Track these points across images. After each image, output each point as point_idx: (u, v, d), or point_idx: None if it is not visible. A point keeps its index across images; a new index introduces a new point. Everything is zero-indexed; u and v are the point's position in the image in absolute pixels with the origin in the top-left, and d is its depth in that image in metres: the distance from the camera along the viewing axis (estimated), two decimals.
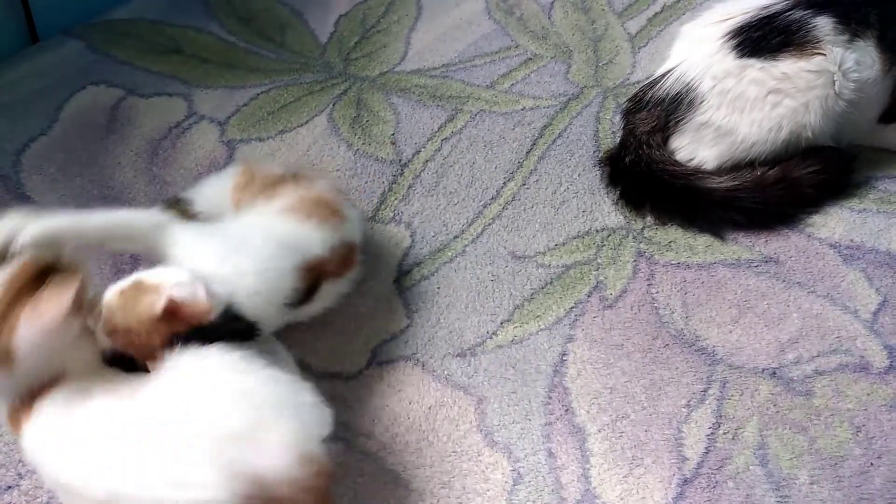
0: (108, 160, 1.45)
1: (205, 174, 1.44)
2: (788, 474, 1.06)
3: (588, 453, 1.08)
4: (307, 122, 1.56)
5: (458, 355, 1.17)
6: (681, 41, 1.44)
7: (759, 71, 1.33)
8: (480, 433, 1.10)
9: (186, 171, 1.45)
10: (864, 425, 1.10)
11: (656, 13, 1.79)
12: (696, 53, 1.38)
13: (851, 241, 1.33)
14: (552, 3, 1.82)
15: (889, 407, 1.12)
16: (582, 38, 1.75)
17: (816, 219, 1.36)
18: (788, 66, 1.32)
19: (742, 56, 1.34)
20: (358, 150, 1.51)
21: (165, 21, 1.74)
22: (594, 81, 1.65)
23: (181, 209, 1.17)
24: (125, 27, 1.72)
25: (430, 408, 1.13)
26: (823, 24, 1.33)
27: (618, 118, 1.53)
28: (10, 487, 1.02)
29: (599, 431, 1.10)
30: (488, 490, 1.05)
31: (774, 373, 1.16)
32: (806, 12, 1.34)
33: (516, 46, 1.73)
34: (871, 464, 1.07)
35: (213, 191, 1.21)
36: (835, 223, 1.36)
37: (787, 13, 1.34)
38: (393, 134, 1.54)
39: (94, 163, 1.45)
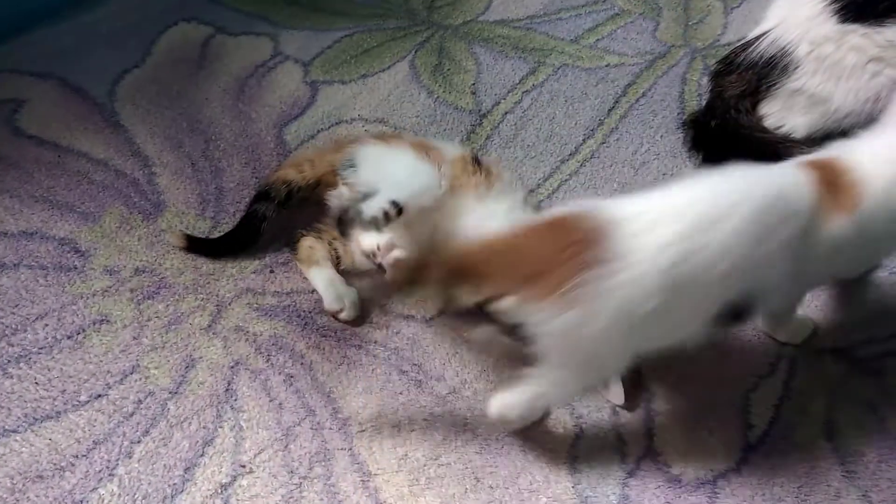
0: (197, 95, 1.50)
1: (288, 112, 1.47)
2: (856, 451, 1.05)
3: (652, 412, 1.08)
4: (389, 67, 1.57)
5: None
6: (779, 2, 1.38)
7: (861, 37, 1.27)
8: None
9: (270, 109, 1.48)
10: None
11: None
12: (795, 16, 1.33)
13: None
14: None
15: None
16: None
17: None
18: (894, 34, 1.26)
19: (844, 21, 1.28)
20: (438, 97, 1.51)
21: None
22: (683, 41, 1.61)
23: None
24: None
25: (498, 360, 1.15)
26: None
27: (705, 80, 1.49)
28: (99, 396, 1.09)
29: (665, 392, 1.10)
30: (550, 442, 1.07)
31: (845, 352, 1.14)
32: None
33: (604, 1, 1.69)
34: None
35: None
36: None
37: None
38: (473, 84, 1.54)
39: (184, 97, 1.49)
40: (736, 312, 0.94)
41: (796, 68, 1.32)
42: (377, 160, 1.18)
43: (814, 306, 1.19)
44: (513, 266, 0.89)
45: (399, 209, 1.08)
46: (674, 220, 0.88)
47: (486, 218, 1.14)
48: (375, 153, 1.20)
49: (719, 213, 0.88)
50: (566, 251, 0.86)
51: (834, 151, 1.01)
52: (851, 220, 0.95)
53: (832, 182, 0.95)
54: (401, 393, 1.11)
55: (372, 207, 1.08)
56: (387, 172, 1.15)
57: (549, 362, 0.93)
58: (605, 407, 1.10)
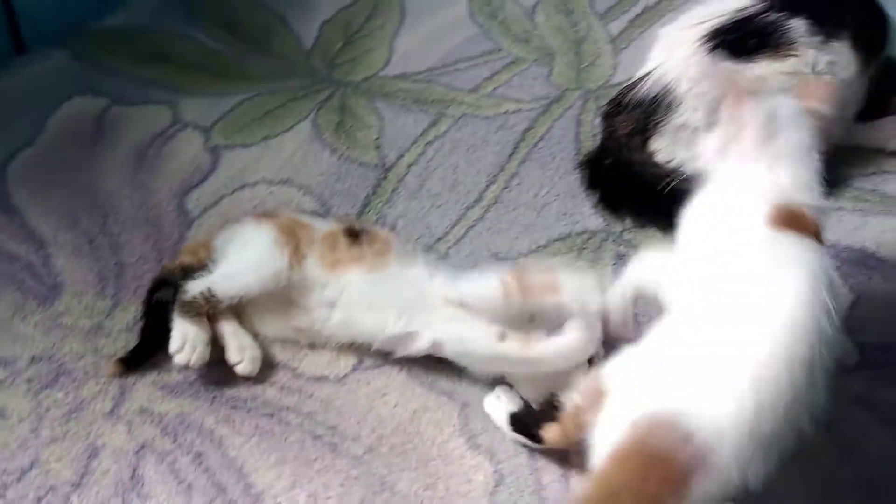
0: (94, 169, 1.47)
1: (189, 180, 1.46)
2: None
3: (569, 455, 1.10)
4: (291, 127, 1.57)
5: (441, 361, 1.19)
6: (659, 44, 1.45)
7: (733, 73, 1.34)
8: (464, 437, 1.12)
9: (171, 178, 1.46)
10: (832, 422, 1.11)
11: (638, 14, 1.81)
12: (673, 56, 1.40)
13: (826, 239, 1.35)
14: (535, 5, 1.84)
15: (857, 402, 1.14)
16: (564, 40, 1.76)
17: None
18: (763, 68, 1.34)
19: (717, 58, 1.35)
20: (342, 154, 1.52)
21: (150, 29, 1.75)
22: (576, 84, 1.67)
23: None
24: (110, 36, 1.74)
25: (414, 412, 1.15)
26: (798, 26, 1.34)
27: (598, 121, 1.55)
28: None
29: None
30: (471, 492, 1.07)
31: None
32: (781, 14, 1.35)
33: (499, 50, 1.74)
34: (841, 459, 1.09)
35: None
36: None
37: (763, 15, 1.36)
38: (377, 138, 1.56)
39: (80, 172, 1.46)
40: None
41: (679, 105, 1.38)
42: (237, 243, 1.20)
43: None
44: None
45: (211, 298, 1.12)
46: (740, 393, 0.81)
47: (394, 285, 1.16)
48: (241, 235, 1.21)
49: (778, 354, 0.83)
50: (664, 487, 0.79)
51: (780, 196, 0.97)
52: None
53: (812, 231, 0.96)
54: (315, 459, 1.09)
55: (190, 289, 1.12)
56: (232, 259, 1.17)
57: None
58: (523, 452, 1.10)
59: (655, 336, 0.94)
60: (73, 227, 1.37)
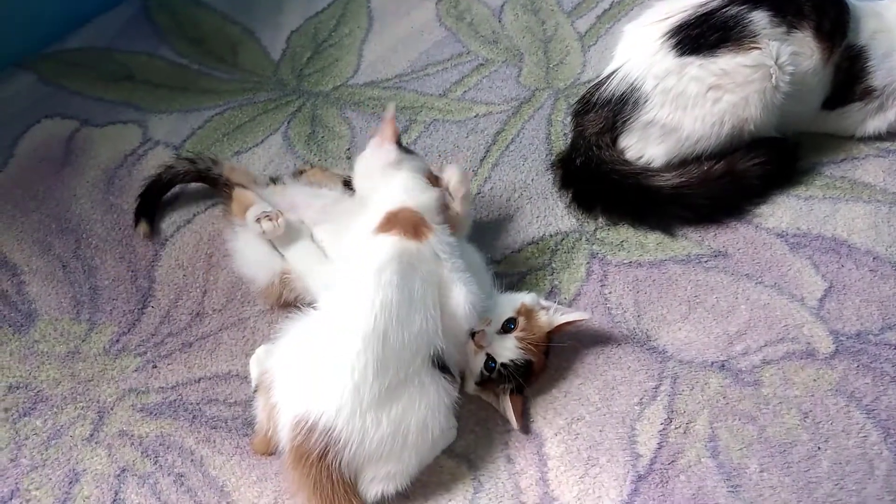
0: (65, 193, 1.47)
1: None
2: (739, 464, 1.09)
3: (545, 457, 1.10)
4: (262, 141, 1.57)
5: None
6: (623, 42, 1.46)
7: (698, 68, 1.35)
8: None
9: None
10: (811, 411, 1.14)
11: (605, 10, 1.82)
12: (638, 54, 1.40)
13: (798, 229, 1.37)
14: (502, 5, 1.84)
15: (835, 391, 1.16)
16: (532, 40, 1.76)
17: (764, 209, 1.39)
18: (726, 62, 1.34)
19: (681, 54, 1.36)
20: (314, 166, 1.52)
21: (116, 48, 1.75)
22: (545, 83, 1.67)
23: None
24: (76, 56, 1.73)
25: None
26: (759, 19, 1.35)
27: (569, 120, 1.55)
28: None
29: (556, 435, 1.13)
30: (451, 500, 1.07)
31: (723, 365, 1.20)
32: (742, 7, 1.36)
33: (468, 52, 1.75)
34: (819, 448, 1.10)
35: None
36: (782, 212, 1.39)
37: (724, 9, 1.36)
38: (348, 148, 1.56)
39: (51, 197, 1.45)
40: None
41: (646, 102, 1.39)
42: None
43: (694, 319, 1.24)
44: None
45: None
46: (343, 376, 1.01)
47: None
48: None
49: None
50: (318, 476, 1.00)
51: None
52: None
53: None
54: None
55: None
56: None
57: None
58: (500, 456, 1.11)
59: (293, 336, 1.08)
60: (46, 252, 1.36)
